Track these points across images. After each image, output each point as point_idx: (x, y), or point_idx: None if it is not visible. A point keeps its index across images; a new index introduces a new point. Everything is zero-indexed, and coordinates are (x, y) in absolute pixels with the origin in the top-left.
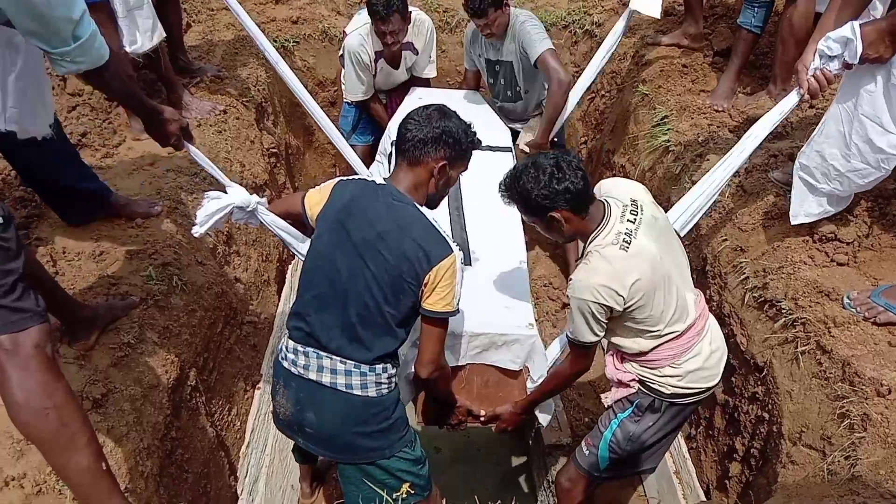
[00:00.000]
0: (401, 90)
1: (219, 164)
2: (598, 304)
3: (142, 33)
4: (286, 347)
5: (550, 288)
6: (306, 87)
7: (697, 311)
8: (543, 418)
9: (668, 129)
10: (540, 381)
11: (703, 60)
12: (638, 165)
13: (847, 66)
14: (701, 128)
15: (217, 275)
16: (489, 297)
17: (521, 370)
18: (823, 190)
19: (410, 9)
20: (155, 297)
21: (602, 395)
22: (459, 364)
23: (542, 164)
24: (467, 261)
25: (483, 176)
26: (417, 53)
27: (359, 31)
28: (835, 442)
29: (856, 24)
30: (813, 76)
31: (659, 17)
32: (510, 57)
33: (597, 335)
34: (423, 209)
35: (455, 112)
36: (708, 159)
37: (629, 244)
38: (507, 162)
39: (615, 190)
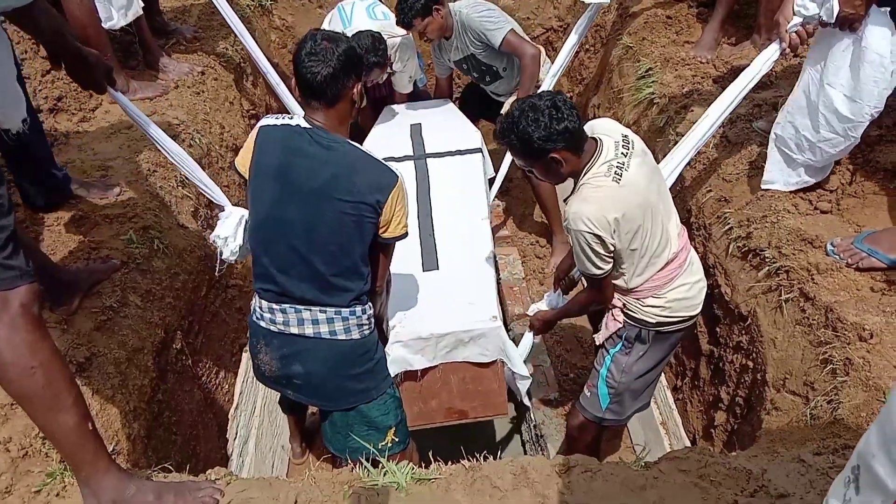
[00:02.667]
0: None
1: (197, 125)
2: (591, 233)
3: (116, 10)
4: (260, 308)
5: (537, 246)
6: (285, 47)
7: (680, 245)
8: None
9: (652, 82)
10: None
11: (687, 11)
12: (623, 119)
13: (823, 24)
14: (685, 79)
15: (199, 238)
16: (454, 296)
17: (495, 361)
18: (799, 161)
19: (395, 38)
20: (136, 260)
21: (594, 336)
22: (433, 364)
23: (540, 106)
24: (435, 265)
25: (453, 179)
26: (394, 73)
27: None
28: (817, 387)
29: None
30: (795, 32)
31: (608, 2)
32: (468, 50)
33: (600, 267)
34: (355, 144)
35: (340, 34)
36: (692, 111)
37: (621, 176)
38: (476, 164)
39: (606, 127)
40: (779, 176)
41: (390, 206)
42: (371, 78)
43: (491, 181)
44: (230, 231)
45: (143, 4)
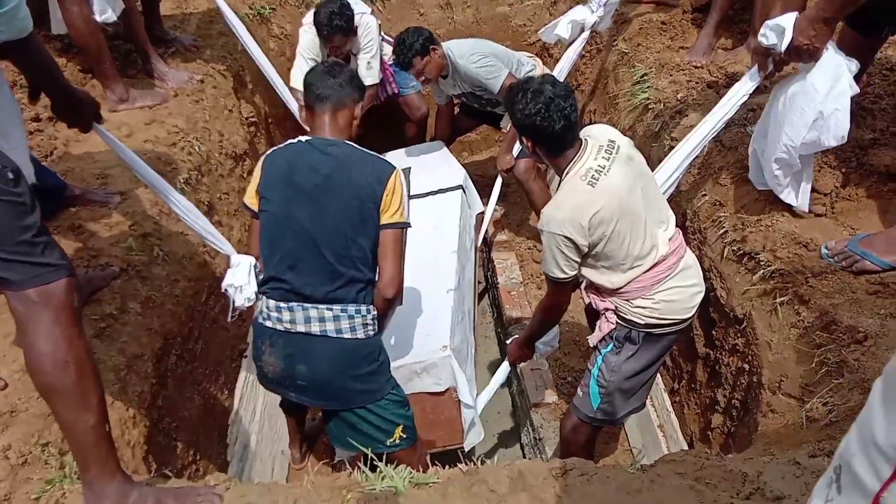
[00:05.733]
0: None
1: (197, 133)
2: (563, 236)
3: (110, 3)
4: (267, 307)
5: (535, 251)
6: (284, 55)
7: (670, 248)
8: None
9: (647, 87)
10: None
11: (681, 17)
12: (619, 125)
13: (784, 58)
14: (680, 84)
15: (199, 244)
16: (408, 329)
17: (448, 389)
18: (767, 167)
19: (360, 12)
20: (136, 267)
21: (588, 338)
22: None
23: (541, 97)
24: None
25: (428, 217)
26: (356, 55)
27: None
28: (813, 389)
29: (796, 14)
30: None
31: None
32: (466, 87)
33: (565, 272)
34: (353, 143)
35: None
36: (687, 115)
37: (597, 180)
38: (453, 201)
39: (596, 132)
40: (753, 175)
41: (389, 191)
42: (335, 44)
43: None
44: (243, 279)
45: (122, 5)
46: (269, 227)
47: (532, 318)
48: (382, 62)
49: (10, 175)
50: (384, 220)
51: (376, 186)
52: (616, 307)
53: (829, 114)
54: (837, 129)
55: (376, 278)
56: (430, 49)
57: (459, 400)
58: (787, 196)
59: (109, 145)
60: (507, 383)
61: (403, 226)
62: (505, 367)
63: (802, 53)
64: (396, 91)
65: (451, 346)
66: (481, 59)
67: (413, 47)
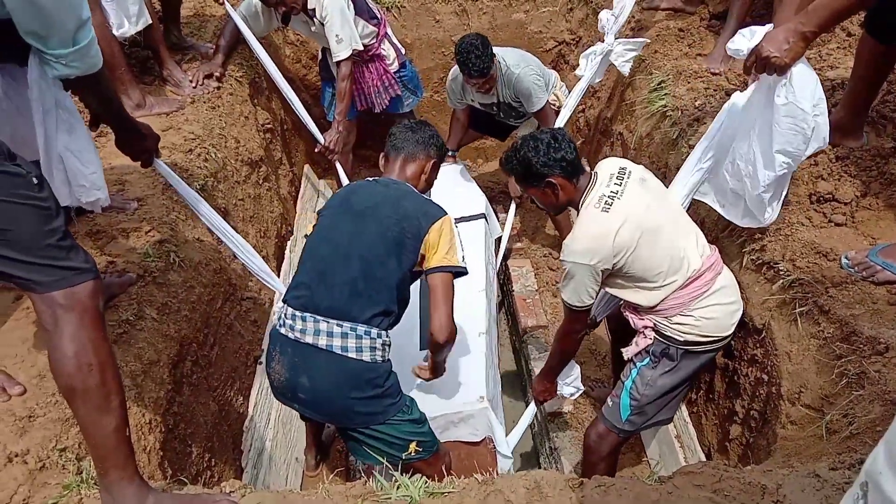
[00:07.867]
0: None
1: (213, 140)
2: (586, 265)
3: (128, 18)
4: (285, 315)
5: (550, 258)
6: (299, 62)
7: (705, 264)
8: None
9: (665, 95)
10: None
11: (699, 24)
12: (636, 132)
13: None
14: (698, 92)
15: (215, 251)
16: (445, 376)
17: (484, 438)
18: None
19: None
20: (153, 273)
21: (623, 350)
22: None
23: (541, 137)
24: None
25: None
26: (319, 22)
27: None
28: (833, 401)
29: (771, 25)
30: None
31: (626, 73)
32: (508, 98)
33: (583, 301)
34: (414, 188)
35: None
36: (705, 123)
37: (611, 205)
38: (478, 231)
39: (606, 164)
40: (733, 216)
41: (436, 232)
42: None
43: (498, 240)
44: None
45: (149, 20)
46: (313, 236)
47: (551, 348)
48: (386, 69)
49: (35, 180)
50: (433, 262)
51: (422, 222)
52: (655, 324)
53: (816, 125)
54: (820, 133)
55: (397, 310)
56: (493, 55)
57: (496, 450)
58: (769, 215)
59: (168, 180)
60: (524, 393)
61: (454, 269)
62: (532, 409)
63: (769, 65)
64: (399, 93)
65: (487, 395)
66: (534, 74)
67: (487, 52)
